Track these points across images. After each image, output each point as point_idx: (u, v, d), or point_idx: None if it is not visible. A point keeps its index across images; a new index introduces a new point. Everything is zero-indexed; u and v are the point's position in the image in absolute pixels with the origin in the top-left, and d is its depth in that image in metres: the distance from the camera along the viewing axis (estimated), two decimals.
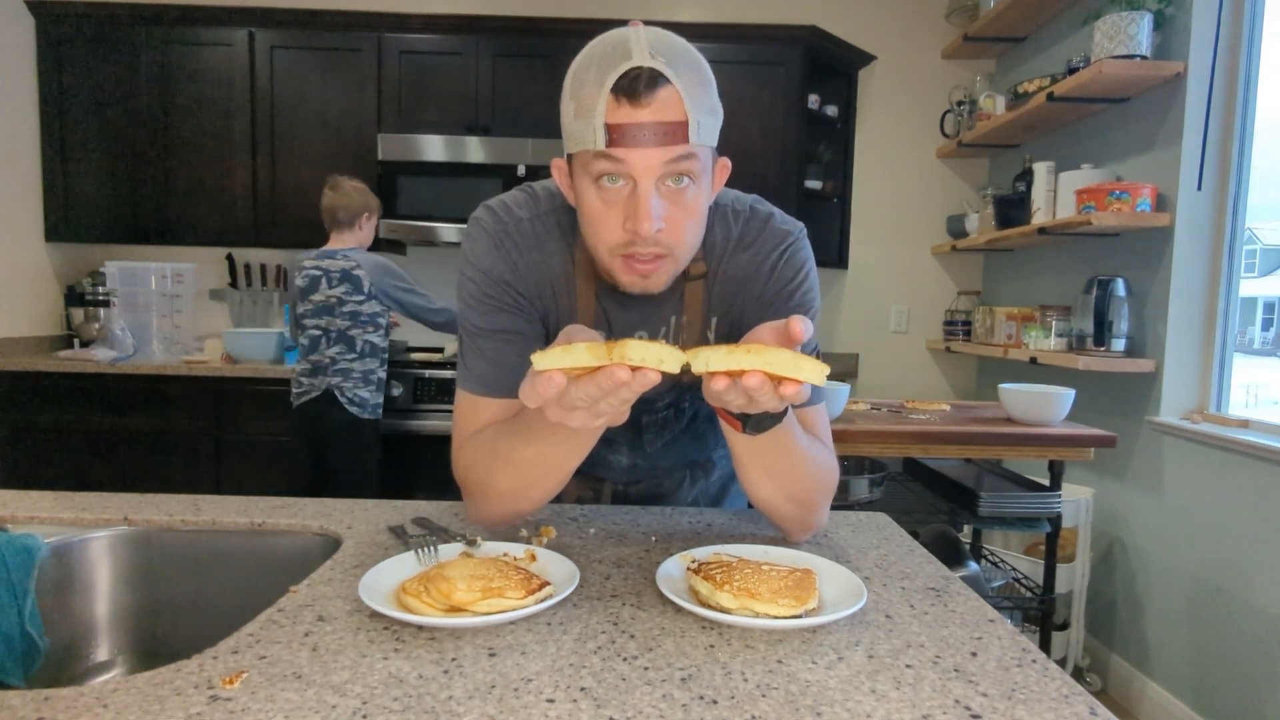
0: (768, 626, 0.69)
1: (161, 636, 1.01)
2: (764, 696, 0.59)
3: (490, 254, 0.93)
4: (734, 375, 0.63)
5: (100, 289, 3.26)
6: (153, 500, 1.08)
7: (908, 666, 0.64)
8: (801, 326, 0.67)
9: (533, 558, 0.82)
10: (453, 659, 0.63)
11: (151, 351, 3.10)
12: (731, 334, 0.99)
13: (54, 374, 2.94)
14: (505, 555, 0.83)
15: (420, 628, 0.68)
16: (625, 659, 0.64)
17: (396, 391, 2.91)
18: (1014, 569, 2.28)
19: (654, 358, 0.59)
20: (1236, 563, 2.01)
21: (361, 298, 2.47)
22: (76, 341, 3.31)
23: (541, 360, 0.59)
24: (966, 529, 2.43)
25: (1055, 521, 1.90)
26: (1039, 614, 2.01)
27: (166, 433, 2.98)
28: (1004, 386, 1.98)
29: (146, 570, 1.00)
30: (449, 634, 0.67)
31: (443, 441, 2.94)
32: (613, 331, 0.98)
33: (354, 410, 2.50)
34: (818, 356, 1.01)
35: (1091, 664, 2.55)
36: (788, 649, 0.67)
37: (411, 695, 0.57)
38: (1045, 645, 1.98)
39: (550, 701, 0.57)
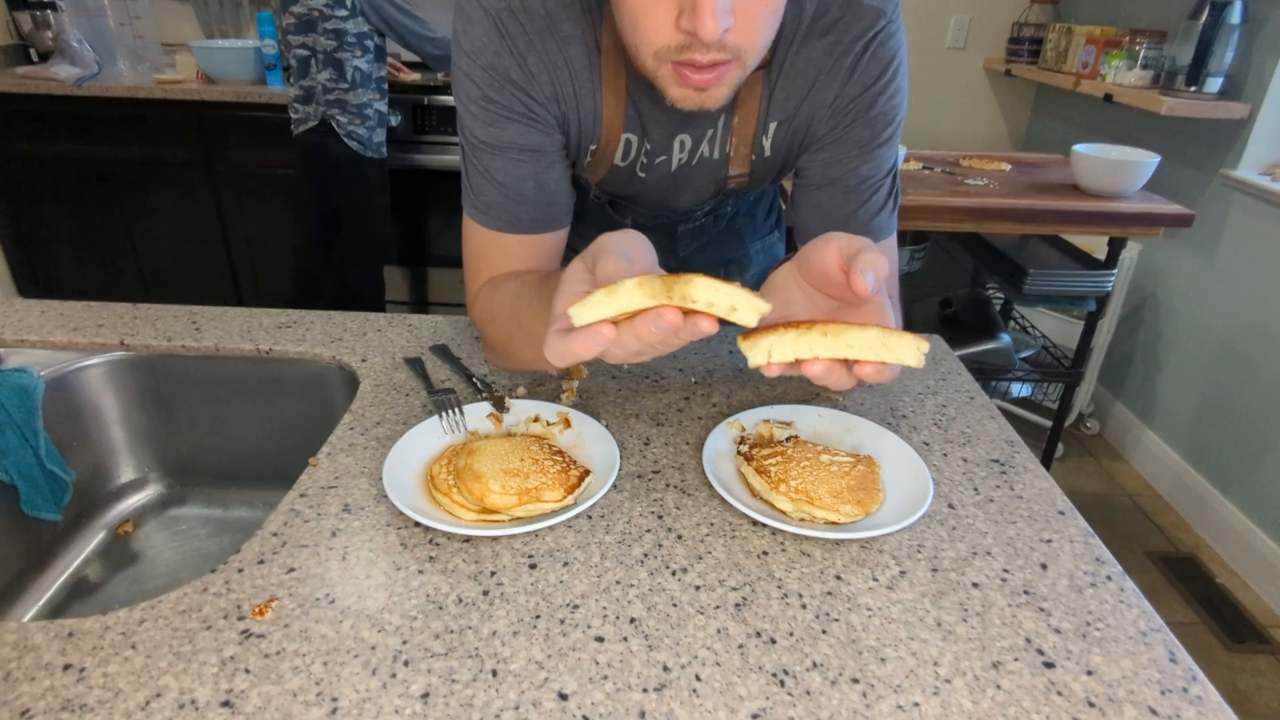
0: (827, 537, 0.64)
1: (188, 454, 0.99)
2: (824, 632, 0.55)
3: (492, 43, 0.72)
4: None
5: None
6: (148, 316, 0.99)
7: (974, 586, 0.60)
8: (867, 282, 0.51)
9: (567, 423, 0.76)
10: (491, 573, 0.60)
11: (118, 70, 2.78)
12: (791, 146, 0.82)
13: (17, 95, 2.67)
14: (537, 420, 0.76)
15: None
16: (674, 572, 0.60)
17: (393, 121, 2.66)
18: (1043, 335, 2.24)
19: (724, 303, 0.44)
20: (1273, 331, 1.95)
21: (345, 13, 2.12)
22: (33, 53, 2.96)
23: (581, 313, 0.45)
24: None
25: (1102, 300, 1.81)
26: (1063, 383, 2.00)
27: (153, 163, 2.79)
28: (1078, 149, 1.75)
29: (157, 394, 0.96)
30: (485, 537, 0.63)
31: (450, 178, 2.75)
32: (648, 138, 0.80)
33: (354, 146, 2.29)
34: (894, 178, 0.85)
35: (1095, 410, 2.64)
36: (846, 557, 0.63)
37: (453, 630, 0.54)
38: (1062, 413, 2.01)
39: (600, 640, 0.54)
